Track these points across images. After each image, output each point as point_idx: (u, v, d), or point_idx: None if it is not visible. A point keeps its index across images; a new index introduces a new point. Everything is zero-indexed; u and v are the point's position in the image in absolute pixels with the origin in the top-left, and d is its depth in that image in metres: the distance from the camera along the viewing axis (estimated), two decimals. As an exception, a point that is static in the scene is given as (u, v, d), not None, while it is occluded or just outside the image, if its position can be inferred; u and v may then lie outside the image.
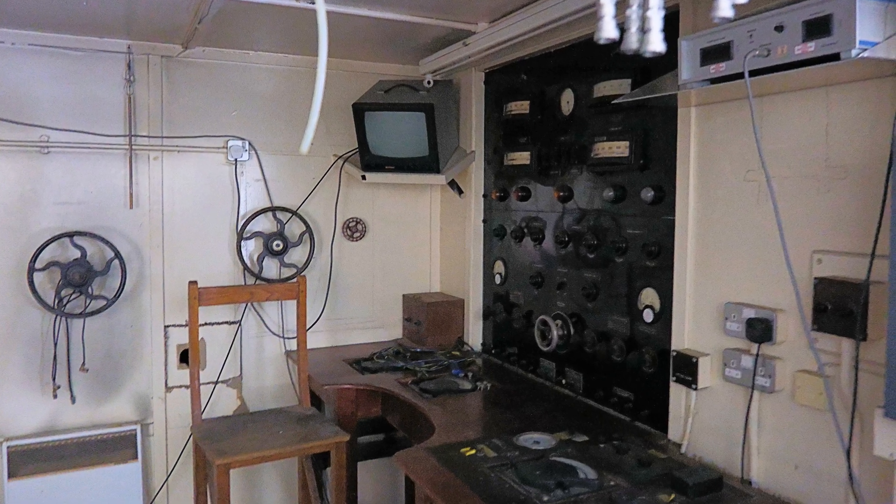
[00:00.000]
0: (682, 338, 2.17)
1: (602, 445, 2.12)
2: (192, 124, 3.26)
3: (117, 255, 3.09)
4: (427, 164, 3.23)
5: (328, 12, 1.05)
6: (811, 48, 1.44)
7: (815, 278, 1.71)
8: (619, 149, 2.40)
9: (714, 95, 1.94)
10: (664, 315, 2.26)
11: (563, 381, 2.80)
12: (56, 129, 3.01)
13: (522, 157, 3.03)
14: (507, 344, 3.24)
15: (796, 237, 1.76)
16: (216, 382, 3.37)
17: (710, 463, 2.06)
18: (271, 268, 3.45)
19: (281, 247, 3.41)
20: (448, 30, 2.84)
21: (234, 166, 3.35)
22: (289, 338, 3.49)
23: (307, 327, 3.14)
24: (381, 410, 3.03)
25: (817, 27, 1.42)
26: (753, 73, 1.54)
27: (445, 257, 3.80)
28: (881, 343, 1.54)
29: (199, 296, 2.85)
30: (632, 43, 1.05)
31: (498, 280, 3.27)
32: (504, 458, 2.01)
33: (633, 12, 1.05)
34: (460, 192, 3.55)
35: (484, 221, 3.42)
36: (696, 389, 2.08)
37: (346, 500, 2.82)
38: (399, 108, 3.18)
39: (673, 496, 1.77)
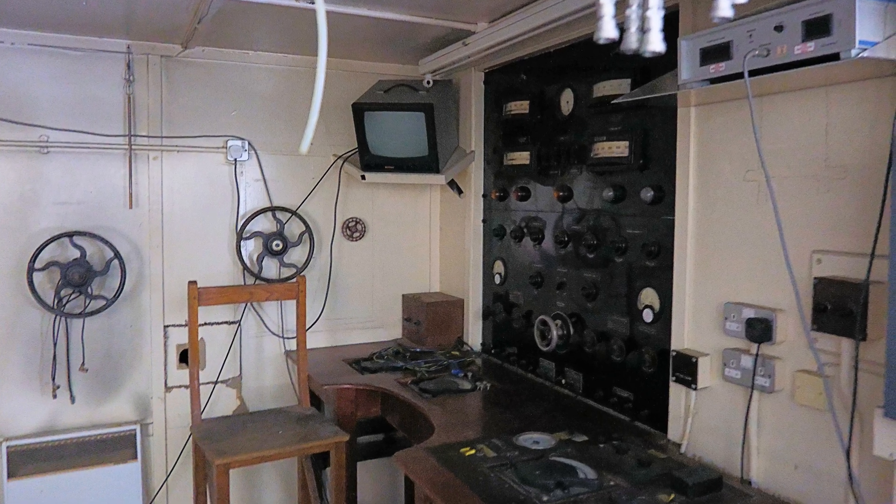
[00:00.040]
0: (682, 338, 2.17)
1: (602, 445, 2.12)
2: (191, 124, 3.26)
3: (117, 255, 3.09)
4: (427, 163, 3.23)
5: (328, 12, 1.05)
6: (811, 48, 1.44)
7: (815, 278, 1.71)
8: (618, 149, 2.40)
9: (714, 95, 1.94)
10: (664, 315, 2.26)
11: (563, 381, 2.80)
12: (55, 129, 3.01)
13: (522, 157, 3.03)
14: (507, 344, 3.23)
15: (796, 237, 1.76)
16: (216, 382, 3.37)
17: (709, 463, 2.06)
18: (271, 268, 3.45)
19: (280, 247, 3.41)
20: (448, 30, 2.84)
21: (233, 166, 3.35)
22: (288, 338, 3.49)
23: (307, 327, 3.14)
24: (381, 410, 3.02)
25: (817, 27, 1.42)
26: (753, 73, 1.53)
27: (445, 257, 3.80)
28: (881, 343, 1.54)
29: (198, 296, 2.85)
30: (631, 43, 1.05)
31: (497, 280, 3.27)
32: (504, 458, 2.01)
33: (633, 12, 1.05)
34: (460, 191, 3.55)
35: (483, 221, 3.42)
36: (695, 389, 2.08)
37: (346, 500, 2.82)
38: (399, 107, 3.17)
39: (673, 496, 1.77)
